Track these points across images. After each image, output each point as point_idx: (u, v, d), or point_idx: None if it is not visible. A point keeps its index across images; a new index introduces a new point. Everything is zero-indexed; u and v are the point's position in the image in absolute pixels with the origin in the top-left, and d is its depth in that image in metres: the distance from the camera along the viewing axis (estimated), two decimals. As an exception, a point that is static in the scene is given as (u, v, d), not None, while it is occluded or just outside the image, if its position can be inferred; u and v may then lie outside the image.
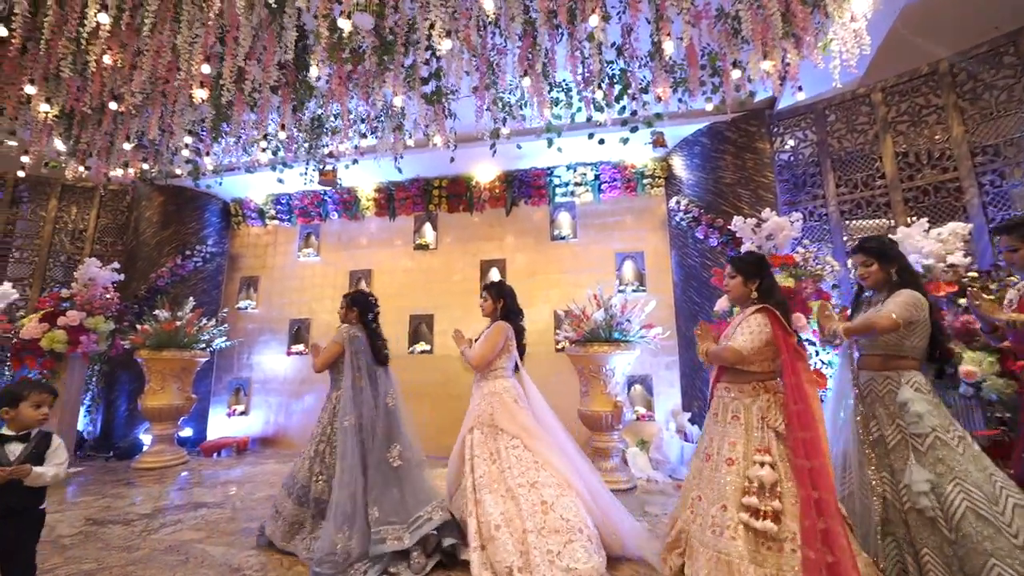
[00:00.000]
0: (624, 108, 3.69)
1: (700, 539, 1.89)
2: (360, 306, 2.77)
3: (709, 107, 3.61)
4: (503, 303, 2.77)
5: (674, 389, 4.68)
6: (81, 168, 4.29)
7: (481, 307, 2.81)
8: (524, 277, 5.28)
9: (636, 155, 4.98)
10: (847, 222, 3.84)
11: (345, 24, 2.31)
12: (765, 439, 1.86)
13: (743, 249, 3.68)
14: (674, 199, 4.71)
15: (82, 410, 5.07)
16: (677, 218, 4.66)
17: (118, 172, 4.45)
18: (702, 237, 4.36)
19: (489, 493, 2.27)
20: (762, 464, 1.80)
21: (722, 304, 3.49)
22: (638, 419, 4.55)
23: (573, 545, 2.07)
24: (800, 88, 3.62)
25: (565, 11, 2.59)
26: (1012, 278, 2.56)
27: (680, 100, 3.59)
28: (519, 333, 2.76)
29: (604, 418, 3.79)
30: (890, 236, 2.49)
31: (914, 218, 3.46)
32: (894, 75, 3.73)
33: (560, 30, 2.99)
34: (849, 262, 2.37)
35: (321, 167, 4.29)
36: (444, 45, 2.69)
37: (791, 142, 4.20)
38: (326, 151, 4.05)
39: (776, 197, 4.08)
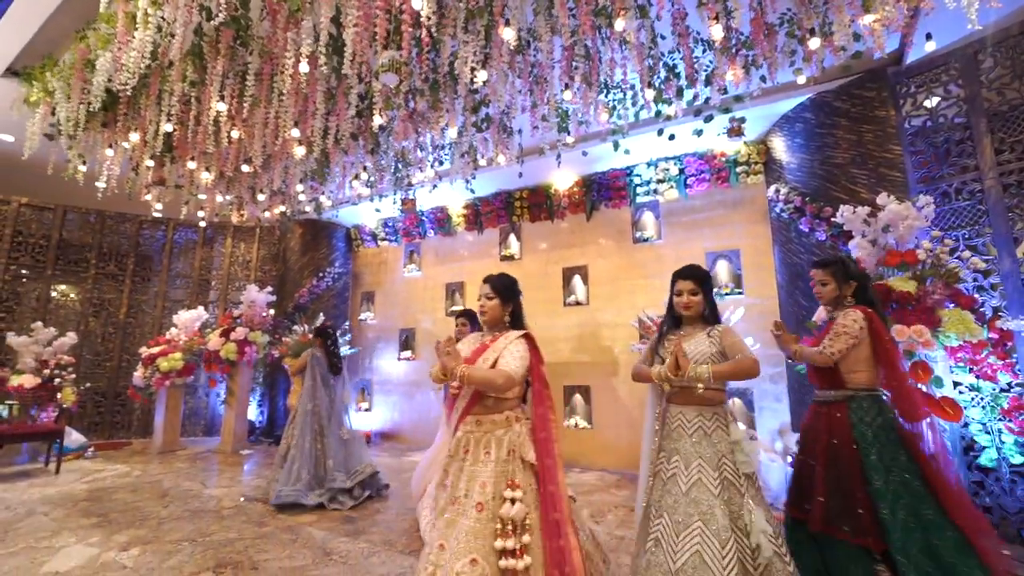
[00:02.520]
0: (696, 96, 3.37)
1: None
2: (322, 336, 4.14)
3: (801, 79, 3.07)
4: (478, 328, 3.28)
5: (781, 404, 4.10)
6: (242, 213, 5.46)
7: (462, 331, 3.24)
8: (606, 283, 5.13)
9: (725, 142, 4.45)
10: (1014, 200, 2.91)
11: (389, 80, 2.56)
12: (513, 471, 1.74)
13: (852, 245, 3.08)
14: (773, 187, 4.11)
15: (254, 404, 6.43)
16: (777, 209, 4.05)
17: (265, 214, 5.55)
18: (807, 230, 3.73)
19: None
20: (512, 500, 1.69)
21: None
22: (736, 437, 4.09)
23: None
24: (929, 36, 2.92)
25: (590, 20, 2.47)
26: None
27: (762, 79, 3.16)
28: None
29: (684, 437, 3.51)
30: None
31: None
32: (1087, -8, 2.73)
33: (601, 31, 2.87)
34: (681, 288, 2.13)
35: (403, 196, 4.75)
36: (480, 76, 2.80)
37: (929, 103, 3.33)
38: (407, 181, 4.47)
39: (906, 175, 3.29)
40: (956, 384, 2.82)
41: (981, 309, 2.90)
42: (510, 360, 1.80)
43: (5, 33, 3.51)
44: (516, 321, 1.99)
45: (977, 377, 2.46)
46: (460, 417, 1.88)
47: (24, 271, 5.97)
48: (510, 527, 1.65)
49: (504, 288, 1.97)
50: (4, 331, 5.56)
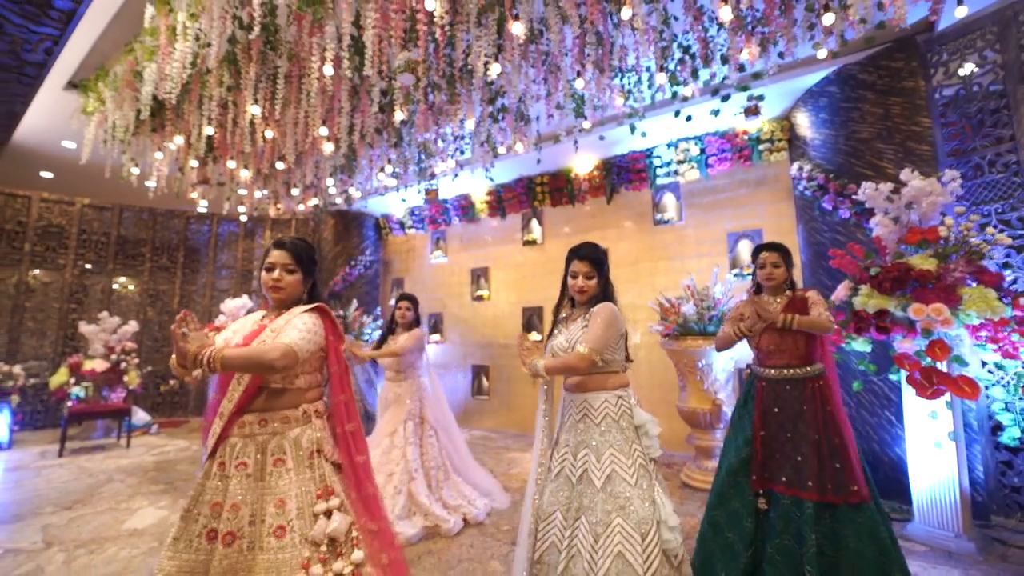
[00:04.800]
0: (713, 75, 3.36)
1: None
2: None
3: (822, 54, 2.99)
4: (416, 315, 3.31)
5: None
6: (279, 206, 5.79)
7: (404, 315, 3.21)
8: (627, 265, 5.17)
9: (748, 120, 4.37)
10: (1050, 170, 2.79)
11: (406, 80, 2.70)
12: (324, 477, 1.39)
13: (874, 222, 3.02)
14: (796, 165, 4.03)
15: (296, 386, 6.88)
16: (801, 187, 3.98)
17: (300, 207, 5.86)
18: (830, 208, 3.66)
19: (421, 473, 2.99)
20: (328, 513, 1.34)
21: (840, 293, 2.95)
22: (757, 416, 4.12)
23: (467, 503, 3.05)
24: (960, 1, 2.80)
25: (598, 8, 2.51)
26: None
27: (780, 55, 3.11)
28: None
29: (702, 416, 3.59)
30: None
31: None
32: None
33: (612, 17, 2.90)
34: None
35: (426, 187, 4.92)
36: (494, 69, 2.89)
37: (962, 71, 3.18)
38: (430, 172, 4.64)
39: (935, 148, 3.18)
40: (984, 363, 2.76)
41: (1013, 286, 2.83)
42: (291, 332, 1.41)
43: (65, 51, 3.84)
44: (315, 299, 1.62)
45: (1003, 356, 2.42)
46: (232, 415, 1.41)
47: (89, 266, 6.55)
48: (325, 547, 1.30)
49: (308, 257, 1.59)
50: (76, 320, 6.16)
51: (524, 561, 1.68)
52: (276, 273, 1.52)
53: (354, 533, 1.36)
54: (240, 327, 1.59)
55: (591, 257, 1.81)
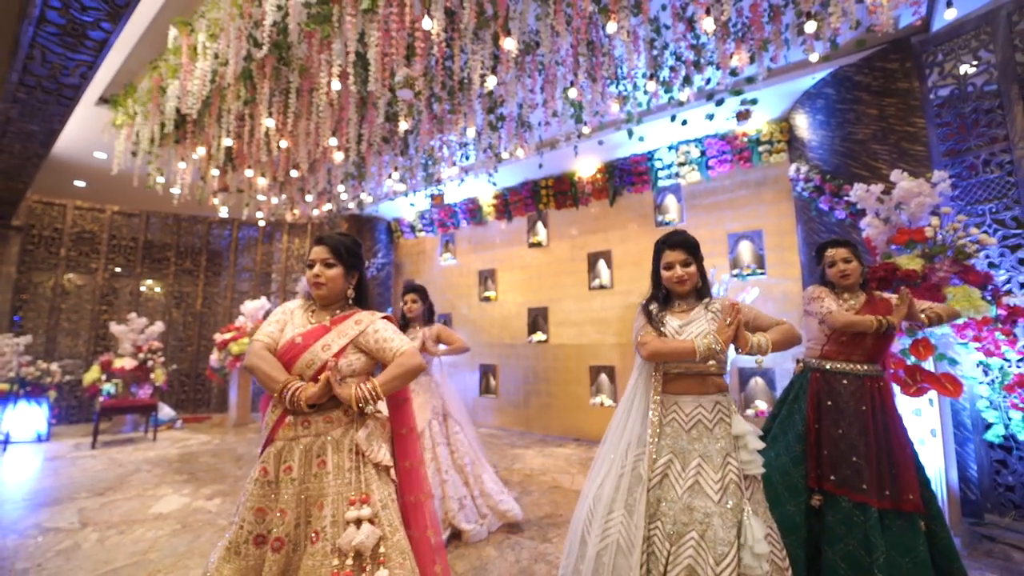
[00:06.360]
0: (708, 80, 3.44)
1: None
2: None
3: (814, 57, 3.05)
4: (429, 305, 3.00)
5: (803, 384, 4.12)
6: (295, 212, 6.05)
7: (412, 309, 2.91)
8: (630, 266, 5.26)
9: (740, 124, 4.42)
10: (1043, 170, 2.79)
11: (405, 95, 2.87)
12: (362, 482, 1.33)
13: (864, 223, 3.07)
14: (793, 166, 4.07)
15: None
16: (798, 188, 4.02)
17: (315, 212, 6.11)
18: (826, 209, 3.70)
19: (456, 472, 2.81)
20: (359, 522, 1.26)
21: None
22: (757, 416, 4.17)
23: (502, 499, 2.86)
24: (949, 3, 2.84)
25: (586, 24, 2.63)
26: None
27: (771, 59, 3.18)
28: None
29: (698, 413, 3.66)
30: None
31: None
32: None
33: (604, 29, 3.01)
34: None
35: (432, 192, 5.11)
36: (490, 82, 3.04)
37: (961, 70, 3.20)
38: (436, 177, 4.81)
39: (930, 149, 3.20)
40: (979, 364, 2.77)
41: (1007, 286, 2.84)
42: (399, 340, 1.43)
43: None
44: (363, 300, 1.56)
45: (984, 354, 2.45)
46: (279, 420, 1.38)
47: (118, 269, 6.92)
48: (350, 560, 1.22)
49: (348, 251, 1.49)
50: (107, 321, 6.53)
51: (574, 558, 1.58)
52: (316, 269, 1.47)
53: (382, 549, 1.27)
54: (285, 318, 1.50)
55: (684, 243, 1.64)
